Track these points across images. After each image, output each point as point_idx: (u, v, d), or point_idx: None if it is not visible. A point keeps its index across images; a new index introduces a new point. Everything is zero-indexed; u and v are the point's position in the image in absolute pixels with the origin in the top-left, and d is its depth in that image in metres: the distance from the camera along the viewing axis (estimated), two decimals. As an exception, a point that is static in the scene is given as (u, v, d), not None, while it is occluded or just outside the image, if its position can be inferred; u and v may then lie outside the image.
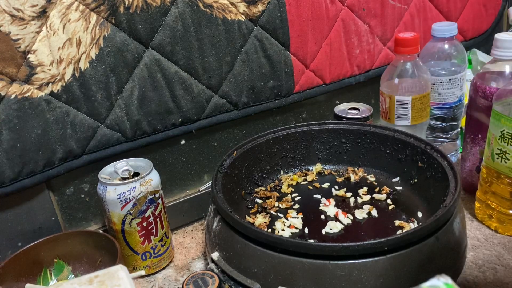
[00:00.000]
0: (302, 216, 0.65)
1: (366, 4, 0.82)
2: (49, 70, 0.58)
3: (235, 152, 0.68)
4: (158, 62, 0.65)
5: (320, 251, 0.49)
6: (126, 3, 0.61)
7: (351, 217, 0.64)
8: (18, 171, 0.59)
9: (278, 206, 0.68)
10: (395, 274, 0.49)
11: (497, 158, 0.62)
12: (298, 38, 0.76)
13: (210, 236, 0.59)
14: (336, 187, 0.71)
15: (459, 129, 0.81)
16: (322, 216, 0.65)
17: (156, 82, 0.66)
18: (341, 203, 0.67)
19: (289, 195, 0.70)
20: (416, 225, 0.61)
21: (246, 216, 0.66)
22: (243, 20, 0.70)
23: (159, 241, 0.63)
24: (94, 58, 0.61)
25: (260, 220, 0.64)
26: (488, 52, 0.79)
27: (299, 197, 0.70)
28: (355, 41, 0.83)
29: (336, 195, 0.69)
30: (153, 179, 0.60)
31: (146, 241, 0.62)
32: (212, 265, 0.57)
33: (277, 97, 0.77)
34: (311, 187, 0.72)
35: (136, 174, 0.61)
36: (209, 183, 0.77)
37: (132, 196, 0.58)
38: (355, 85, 0.86)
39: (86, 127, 0.63)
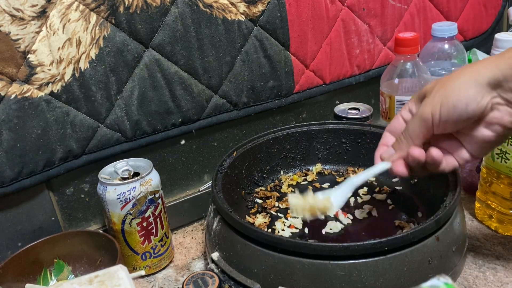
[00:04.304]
0: (302, 216, 0.65)
1: (366, 4, 0.82)
2: (49, 70, 0.58)
3: (235, 152, 0.68)
4: (158, 62, 0.65)
5: (320, 251, 0.49)
6: (126, 3, 0.61)
7: (351, 217, 0.64)
8: (18, 171, 0.59)
9: (278, 206, 0.68)
10: (395, 274, 0.49)
11: (497, 158, 0.62)
12: (298, 38, 0.76)
13: (210, 236, 0.59)
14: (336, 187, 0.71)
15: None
16: (322, 216, 0.65)
17: (156, 82, 0.66)
18: (341, 203, 0.67)
19: (289, 195, 0.70)
20: (416, 225, 0.61)
21: (246, 216, 0.66)
22: (243, 20, 0.70)
23: (159, 241, 0.63)
24: (94, 58, 0.61)
25: (260, 220, 0.64)
26: (488, 52, 0.79)
27: (299, 197, 0.70)
28: (355, 41, 0.83)
29: (336, 195, 0.69)
30: (153, 179, 0.60)
31: (146, 241, 0.62)
32: (212, 265, 0.57)
33: (277, 97, 0.77)
34: (311, 187, 0.72)
35: (136, 174, 0.61)
36: (209, 183, 0.77)
37: (132, 196, 0.58)
38: (355, 85, 0.86)
39: (86, 127, 0.63)
